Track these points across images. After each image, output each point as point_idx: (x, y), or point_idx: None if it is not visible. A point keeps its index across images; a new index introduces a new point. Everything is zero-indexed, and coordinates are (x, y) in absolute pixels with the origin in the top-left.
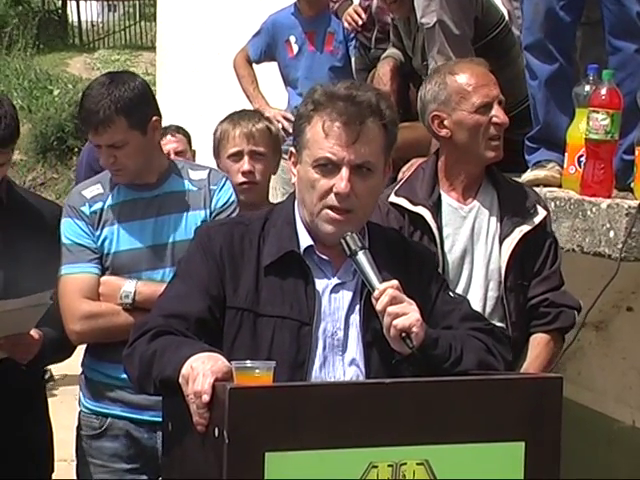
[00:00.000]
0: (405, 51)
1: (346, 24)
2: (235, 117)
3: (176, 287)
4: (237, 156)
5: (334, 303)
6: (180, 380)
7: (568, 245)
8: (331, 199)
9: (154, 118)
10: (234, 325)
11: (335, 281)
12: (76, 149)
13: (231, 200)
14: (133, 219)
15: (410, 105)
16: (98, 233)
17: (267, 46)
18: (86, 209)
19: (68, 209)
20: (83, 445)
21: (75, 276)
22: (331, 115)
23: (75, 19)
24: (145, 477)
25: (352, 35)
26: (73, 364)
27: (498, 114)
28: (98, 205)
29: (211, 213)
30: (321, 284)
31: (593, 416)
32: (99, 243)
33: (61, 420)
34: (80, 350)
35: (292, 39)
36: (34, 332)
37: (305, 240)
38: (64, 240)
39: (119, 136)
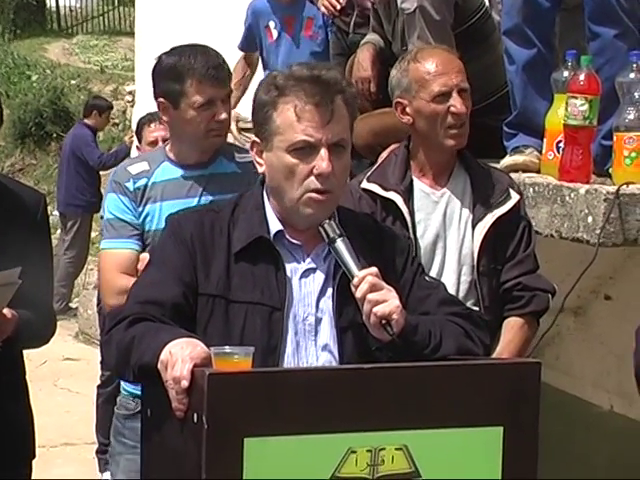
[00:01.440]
0: (385, 36)
1: (323, 8)
2: None
3: (150, 274)
4: None
5: (305, 288)
6: (159, 366)
7: (547, 230)
8: (313, 182)
9: None
10: (206, 312)
11: (306, 266)
12: (55, 135)
13: None
14: (177, 197)
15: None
16: (140, 209)
17: (251, 34)
18: (130, 185)
19: (113, 184)
20: (117, 424)
21: (115, 251)
22: (300, 97)
23: (53, 4)
24: None
25: (330, 20)
26: (53, 350)
27: (455, 103)
28: (142, 181)
29: None
30: (292, 269)
31: (571, 401)
32: (140, 219)
33: (39, 406)
34: (58, 338)
35: (272, 24)
36: (7, 311)
37: (275, 225)
38: (107, 215)
39: (230, 89)
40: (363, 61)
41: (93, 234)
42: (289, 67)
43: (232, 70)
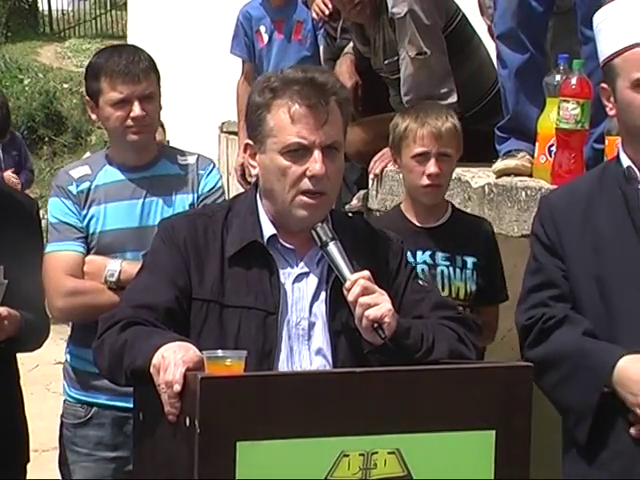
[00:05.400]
0: (362, 55)
1: (314, 14)
2: (421, 114)
3: (143, 278)
4: (422, 156)
5: (297, 292)
6: (151, 370)
7: None
8: (305, 183)
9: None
10: (200, 316)
11: (299, 270)
12: (47, 138)
13: (218, 185)
14: (121, 199)
15: (376, 100)
16: (84, 212)
17: (248, 39)
18: (73, 188)
19: (55, 189)
20: (67, 433)
21: (60, 254)
22: (294, 100)
23: (45, 8)
24: (131, 467)
25: (320, 24)
26: (45, 354)
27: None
28: (85, 185)
29: (198, 197)
30: (285, 273)
31: None
32: (85, 222)
33: (31, 410)
34: (50, 342)
35: (262, 29)
36: (3, 310)
37: (268, 229)
38: (50, 219)
39: (152, 88)
40: (341, 74)
41: None
42: (282, 70)
43: (236, 94)
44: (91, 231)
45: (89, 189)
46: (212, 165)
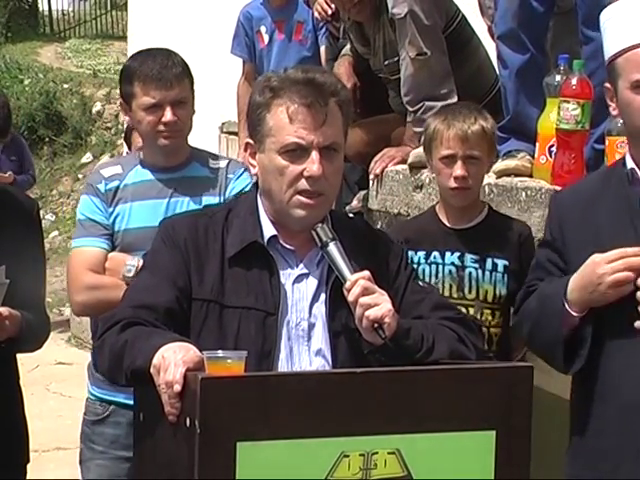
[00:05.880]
0: (361, 56)
1: (316, 14)
2: (449, 116)
3: (144, 279)
4: (449, 159)
5: (297, 293)
6: (151, 370)
7: (539, 234)
8: (302, 184)
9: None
10: (200, 317)
11: (299, 271)
12: (47, 139)
13: (247, 189)
14: (146, 198)
15: (375, 101)
16: (111, 210)
17: (249, 39)
18: (102, 186)
19: (87, 186)
20: (86, 430)
21: (83, 249)
22: (293, 99)
23: (45, 8)
24: None
25: (322, 24)
26: (45, 355)
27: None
28: (114, 183)
29: (224, 200)
30: (285, 274)
31: (564, 405)
32: (111, 220)
33: (31, 410)
34: (51, 342)
35: (263, 29)
36: (4, 309)
37: (269, 230)
38: (79, 216)
39: (185, 93)
40: (339, 76)
41: None
42: (284, 70)
43: (237, 94)
44: (116, 229)
45: (117, 187)
46: (242, 169)
